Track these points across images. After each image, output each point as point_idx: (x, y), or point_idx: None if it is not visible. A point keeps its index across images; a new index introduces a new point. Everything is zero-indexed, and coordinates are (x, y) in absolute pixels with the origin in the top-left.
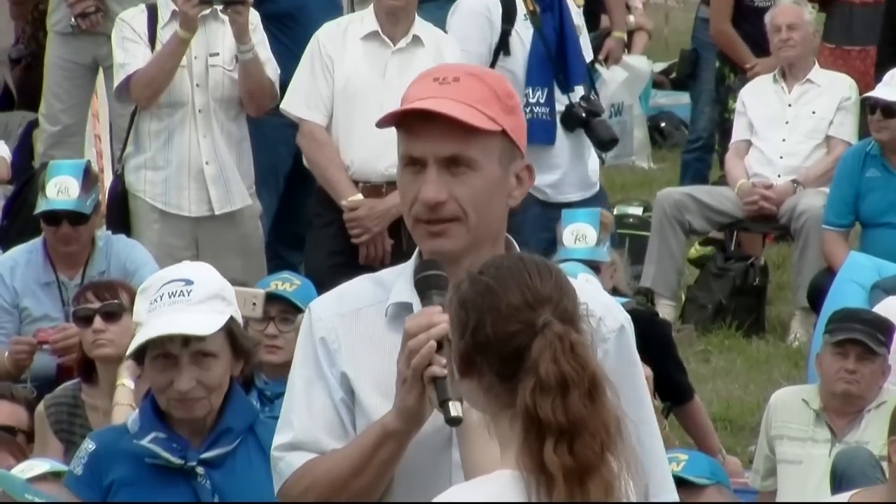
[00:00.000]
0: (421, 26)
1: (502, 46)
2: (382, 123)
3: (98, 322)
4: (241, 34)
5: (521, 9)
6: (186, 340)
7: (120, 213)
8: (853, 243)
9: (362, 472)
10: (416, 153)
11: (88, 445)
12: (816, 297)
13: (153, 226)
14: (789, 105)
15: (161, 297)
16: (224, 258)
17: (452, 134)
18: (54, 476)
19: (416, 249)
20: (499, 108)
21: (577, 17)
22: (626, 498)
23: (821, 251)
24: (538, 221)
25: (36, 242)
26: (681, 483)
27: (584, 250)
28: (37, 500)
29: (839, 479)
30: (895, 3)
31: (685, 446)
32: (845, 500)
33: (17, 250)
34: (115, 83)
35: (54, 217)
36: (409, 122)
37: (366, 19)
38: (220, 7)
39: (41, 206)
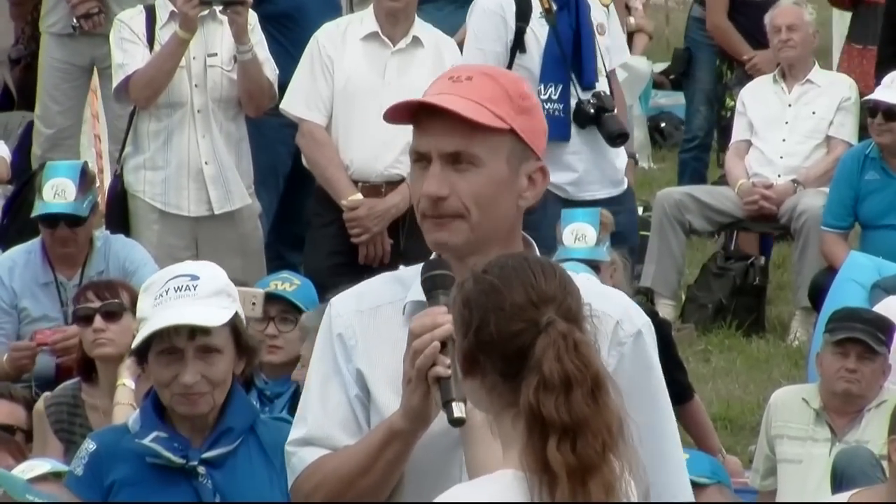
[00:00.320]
0: (421, 27)
1: (518, 44)
2: (388, 118)
3: (98, 321)
4: (240, 34)
5: (536, 7)
6: (192, 334)
7: (119, 214)
8: (853, 244)
9: (369, 472)
10: (421, 148)
11: (89, 445)
12: (817, 295)
13: (153, 226)
14: (789, 105)
15: (167, 292)
16: (224, 258)
17: (456, 130)
18: (55, 476)
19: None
20: (509, 108)
21: (603, 15)
22: (626, 498)
23: (820, 252)
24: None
25: (34, 243)
26: None
27: (583, 250)
28: (37, 500)
29: (839, 479)
30: (895, 3)
31: (685, 446)
32: (845, 500)
33: (16, 251)
34: (114, 84)
35: (51, 219)
36: (419, 118)
37: (365, 20)
38: (219, 8)
39: (38, 210)
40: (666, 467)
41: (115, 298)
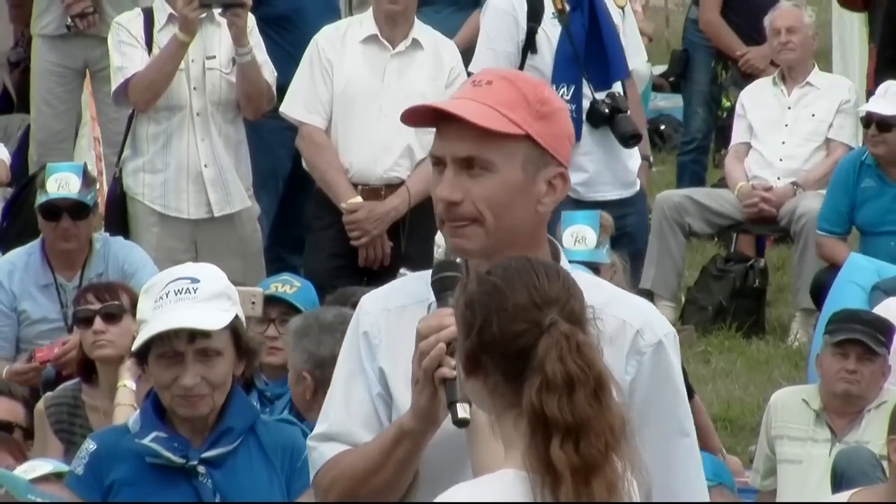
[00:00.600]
0: (420, 30)
1: (529, 44)
2: (406, 121)
3: (98, 323)
4: (239, 37)
5: (549, 7)
6: (192, 337)
7: (118, 217)
8: (852, 246)
9: (381, 470)
10: (437, 152)
11: (89, 446)
12: (819, 293)
13: (152, 229)
14: (789, 108)
15: (167, 295)
16: (223, 260)
17: (469, 135)
18: (57, 477)
19: None
20: (526, 114)
21: (619, 17)
22: (629, 498)
23: (818, 256)
24: None
25: (34, 245)
26: None
27: (583, 252)
28: (39, 500)
29: (839, 479)
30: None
31: None
32: (845, 500)
33: (15, 253)
34: (113, 87)
35: (54, 211)
36: (438, 121)
37: (365, 23)
38: (218, 10)
39: (41, 200)
40: (685, 480)
41: (115, 300)
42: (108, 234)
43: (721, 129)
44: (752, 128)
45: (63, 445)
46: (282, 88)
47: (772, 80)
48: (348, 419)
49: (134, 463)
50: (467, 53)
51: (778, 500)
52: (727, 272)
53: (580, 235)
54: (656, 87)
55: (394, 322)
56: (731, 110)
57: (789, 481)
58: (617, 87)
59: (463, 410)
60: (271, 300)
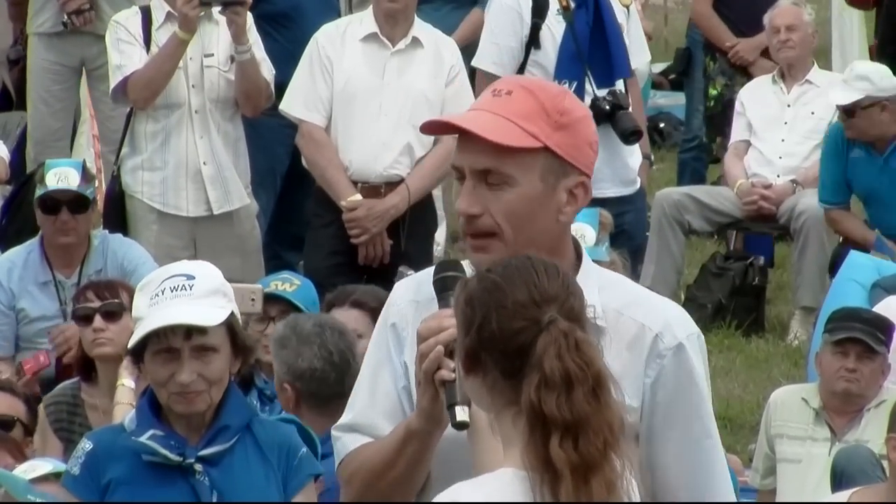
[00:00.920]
0: (420, 28)
1: (533, 40)
2: (427, 130)
3: (98, 321)
4: (239, 35)
5: (553, 4)
6: (189, 334)
7: (117, 214)
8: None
9: (394, 466)
10: (456, 163)
11: (85, 445)
12: (835, 270)
13: (151, 226)
14: (788, 105)
15: (163, 292)
16: (222, 258)
17: (487, 148)
18: (56, 477)
19: None
20: (545, 124)
21: (623, 16)
22: (628, 498)
23: (830, 228)
24: None
25: (33, 242)
26: None
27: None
28: (39, 500)
29: (839, 478)
30: (895, 3)
31: None
32: (845, 499)
33: (14, 251)
34: (112, 85)
35: (54, 204)
36: (450, 130)
37: (365, 21)
38: (218, 8)
39: (40, 193)
40: (709, 485)
41: (115, 298)
42: (106, 231)
43: (710, 118)
44: (752, 125)
45: (62, 444)
46: (281, 86)
47: (771, 77)
48: (373, 411)
49: (131, 461)
50: (466, 51)
51: (777, 499)
52: (727, 270)
53: (579, 233)
54: (656, 85)
55: (422, 314)
56: (717, 99)
57: (789, 480)
58: (618, 85)
59: (462, 413)
60: (271, 298)
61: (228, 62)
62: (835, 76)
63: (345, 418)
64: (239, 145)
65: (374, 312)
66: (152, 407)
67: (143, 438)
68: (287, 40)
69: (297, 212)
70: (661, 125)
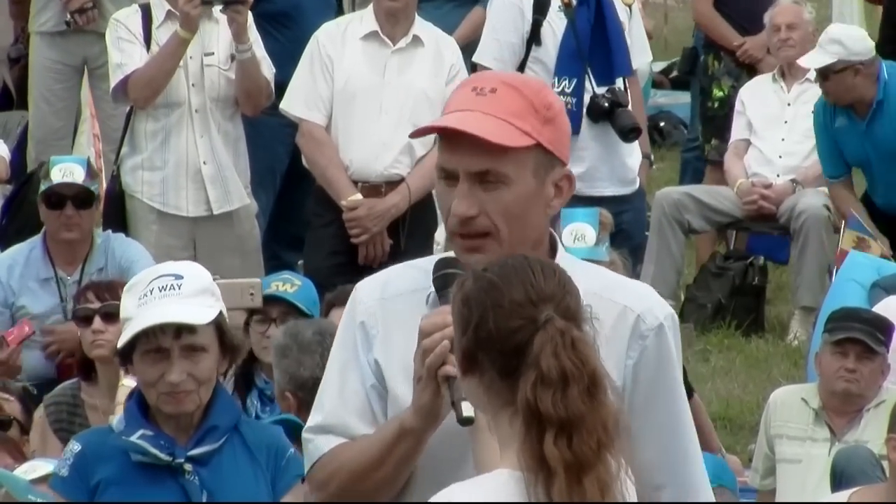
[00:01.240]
0: (421, 26)
1: (534, 37)
2: (417, 135)
3: (97, 322)
4: (240, 34)
5: (555, 1)
6: (178, 333)
7: (116, 214)
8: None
9: (382, 466)
10: (449, 166)
11: (74, 447)
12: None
13: (151, 226)
14: (788, 104)
15: (151, 292)
16: (222, 258)
17: (483, 149)
18: None
19: None
20: (535, 120)
21: (625, 15)
22: (622, 498)
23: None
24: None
25: (35, 239)
26: None
27: (583, 250)
28: (39, 500)
29: (839, 478)
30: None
31: None
32: (845, 499)
33: (17, 248)
34: (112, 84)
35: (59, 199)
36: (446, 133)
37: (365, 19)
38: (219, 7)
39: (45, 188)
40: (686, 463)
41: (115, 300)
42: (110, 230)
43: (710, 119)
44: (752, 124)
45: (62, 444)
46: (281, 85)
47: (771, 76)
48: (344, 411)
49: (120, 462)
50: (467, 49)
51: (777, 499)
52: (726, 270)
53: (580, 233)
54: (656, 84)
55: (390, 311)
56: (722, 101)
57: (788, 481)
58: (617, 82)
59: (467, 408)
60: (272, 299)
61: (229, 61)
62: None
63: (314, 420)
64: (239, 145)
65: None
66: (140, 408)
67: (133, 438)
68: (287, 39)
69: (296, 211)
70: (662, 124)
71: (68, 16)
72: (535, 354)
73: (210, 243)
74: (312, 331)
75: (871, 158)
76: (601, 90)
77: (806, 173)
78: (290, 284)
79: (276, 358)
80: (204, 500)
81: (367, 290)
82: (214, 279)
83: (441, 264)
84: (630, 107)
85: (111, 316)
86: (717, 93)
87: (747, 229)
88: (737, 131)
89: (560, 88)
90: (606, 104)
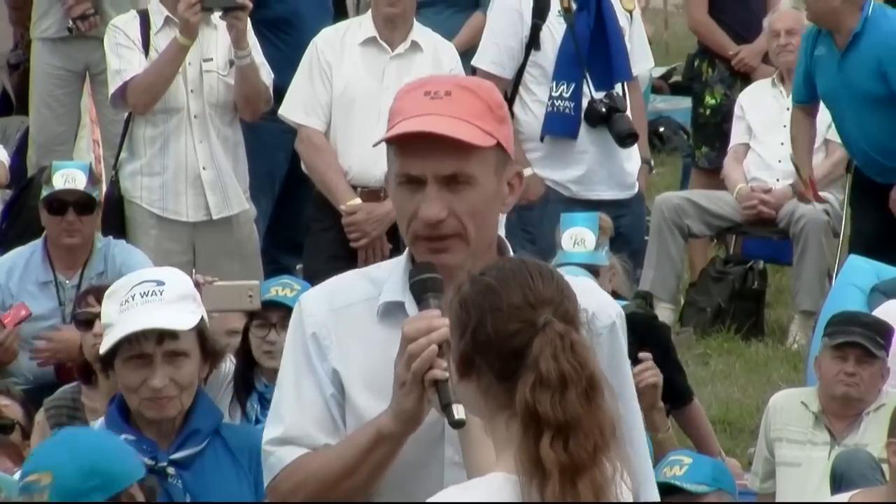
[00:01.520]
0: (419, 32)
1: (533, 41)
2: (388, 143)
3: (98, 326)
4: (239, 39)
5: (555, 5)
6: (160, 339)
7: (115, 220)
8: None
9: (355, 473)
10: (415, 172)
11: None
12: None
13: (150, 231)
14: (787, 109)
15: (133, 298)
16: (222, 262)
17: (451, 152)
18: None
19: (406, 249)
20: (492, 120)
21: (625, 20)
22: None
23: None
24: (559, 217)
25: (36, 243)
26: (678, 490)
27: (582, 254)
28: None
29: (839, 481)
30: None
31: (686, 449)
32: (845, 501)
33: (17, 252)
34: (111, 90)
35: (60, 205)
36: (405, 139)
37: (364, 25)
38: (219, 13)
39: (47, 194)
40: (637, 455)
41: None
42: (111, 236)
43: (702, 126)
44: (751, 129)
45: None
46: (280, 91)
47: (771, 81)
48: (305, 421)
49: None
50: (468, 55)
51: (777, 502)
52: (726, 274)
53: (579, 238)
54: (656, 90)
55: (341, 322)
56: (714, 108)
57: (788, 484)
58: (616, 87)
59: (459, 411)
60: (272, 304)
61: (227, 67)
62: None
63: (274, 432)
64: (238, 150)
65: None
66: (121, 413)
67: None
68: (286, 45)
69: (295, 216)
70: (661, 129)
71: (70, 22)
72: (535, 357)
73: (209, 248)
74: None
75: (839, 94)
76: (599, 95)
77: None
78: (289, 289)
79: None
80: (188, 501)
81: (314, 302)
82: (213, 282)
83: (417, 270)
84: (629, 112)
85: None
86: (710, 100)
87: (747, 234)
88: (736, 136)
89: (559, 93)
90: (604, 109)
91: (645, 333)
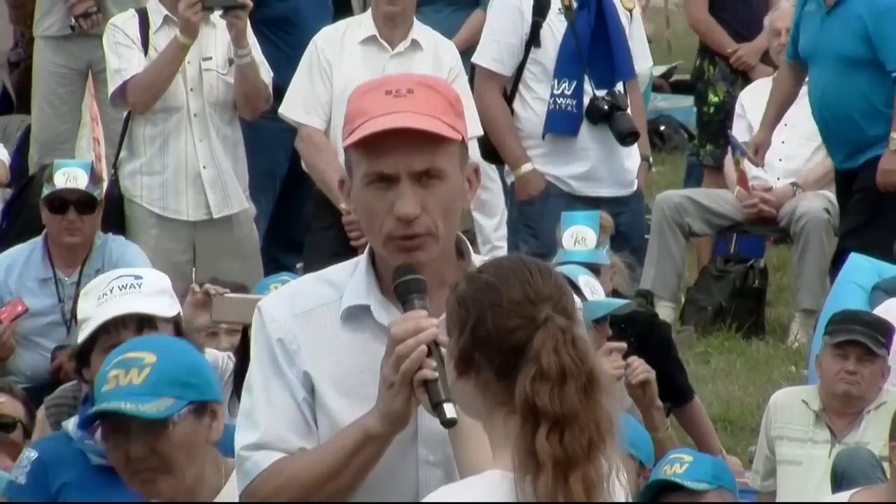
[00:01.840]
0: (419, 30)
1: (533, 38)
2: (354, 145)
3: None
4: (239, 38)
5: (555, 3)
6: (139, 328)
7: (115, 218)
8: None
9: (340, 475)
10: (388, 170)
11: (31, 454)
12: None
13: (151, 230)
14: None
15: (111, 290)
16: (222, 261)
17: (424, 147)
18: None
19: (367, 250)
20: (454, 116)
21: (625, 19)
22: (609, 499)
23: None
24: (560, 213)
25: (36, 240)
26: (679, 487)
27: (583, 253)
28: None
29: (839, 479)
30: None
31: (686, 447)
32: (846, 500)
33: (17, 249)
34: (110, 89)
35: (62, 204)
36: (377, 138)
37: (364, 24)
38: (219, 12)
39: (48, 193)
40: None
41: None
42: (110, 234)
43: (706, 124)
44: (752, 127)
45: None
46: (280, 90)
47: (772, 79)
48: (278, 426)
49: (79, 467)
50: (467, 53)
51: (778, 500)
52: (727, 273)
53: (580, 236)
54: (656, 88)
55: (304, 326)
56: (717, 106)
57: (789, 482)
58: (617, 85)
59: (450, 410)
60: None
61: (227, 65)
62: None
63: (249, 438)
64: (238, 149)
65: None
66: None
67: (94, 441)
68: (287, 44)
69: (295, 215)
70: (662, 128)
71: (73, 20)
72: (536, 350)
73: (210, 247)
74: None
75: (818, 51)
76: (601, 93)
77: (806, 176)
78: None
79: None
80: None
81: (274, 308)
82: (224, 293)
83: (399, 272)
84: (629, 110)
85: None
86: (713, 98)
87: (748, 232)
88: (737, 134)
89: (560, 90)
90: (606, 107)
91: (645, 332)
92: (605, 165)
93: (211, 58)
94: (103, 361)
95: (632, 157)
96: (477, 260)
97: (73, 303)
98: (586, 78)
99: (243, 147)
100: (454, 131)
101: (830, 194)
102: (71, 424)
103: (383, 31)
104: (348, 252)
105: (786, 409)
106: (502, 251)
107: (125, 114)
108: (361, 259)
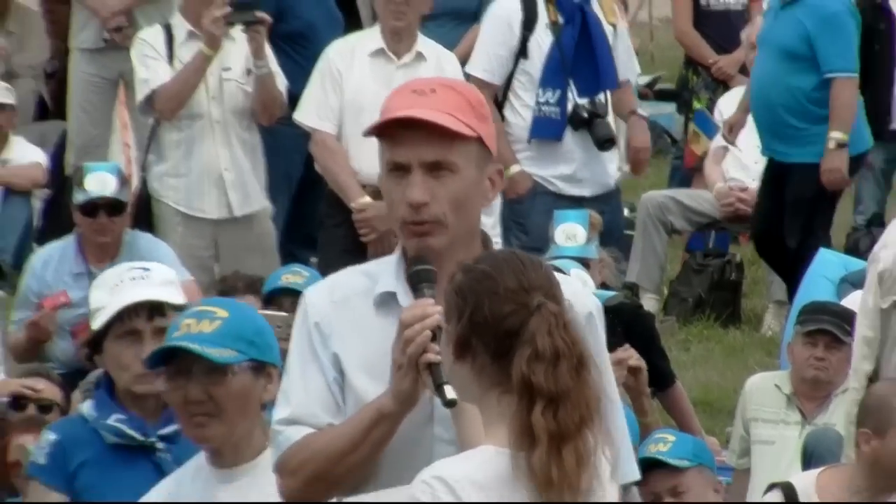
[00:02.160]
0: (423, 43)
1: (521, 50)
2: (369, 133)
3: None
4: (258, 51)
5: (543, 19)
6: (151, 316)
7: (144, 217)
8: None
9: (357, 449)
10: (401, 159)
11: (49, 436)
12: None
13: (177, 228)
14: None
15: (122, 281)
16: (243, 257)
17: (435, 140)
18: None
19: (399, 246)
20: (473, 116)
21: (610, 35)
22: (596, 471)
23: None
24: (547, 210)
25: (70, 237)
26: (663, 465)
27: (574, 248)
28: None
29: (809, 458)
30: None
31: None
32: (814, 478)
33: (53, 245)
34: (138, 97)
35: (92, 208)
36: (392, 130)
37: (373, 37)
38: (241, 27)
39: (79, 198)
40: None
41: None
42: (137, 230)
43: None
44: None
45: None
46: (295, 98)
47: (747, 87)
48: (310, 403)
49: (96, 447)
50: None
51: (752, 478)
52: (706, 266)
53: (571, 233)
54: (641, 96)
55: (341, 312)
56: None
57: (763, 460)
58: (599, 95)
59: (451, 392)
60: (284, 291)
61: (245, 75)
62: None
63: (283, 413)
64: (256, 152)
65: None
66: (110, 395)
67: (109, 422)
68: (302, 57)
69: (309, 214)
70: None
71: (106, 34)
72: (531, 333)
73: (231, 243)
74: None
75: (766, 41)
76: (582, 101)
77: None
78: (299, 276)
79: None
80: None
81: (316, 295)
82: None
83: (413, 262)
84: (609, 117)
85: None
86: (697, 105)
87: (725, 229)
88: (716, 139)
89: (545, 98)
90: (586, 114)
91: (631, 322)
92: (588, 168)
93: (230, 68)
94: (118, 348)
95: (612, 160)
96: None
97: None
98: (570, 87)
99: (262, 150)
100: (467, 128)
101: None
102: (86, 406)
103: (390, 44)
104: (358, 247)
105: (760, 393)
106: (498, 246)
107: (152, 120)
108: (396, 252)
